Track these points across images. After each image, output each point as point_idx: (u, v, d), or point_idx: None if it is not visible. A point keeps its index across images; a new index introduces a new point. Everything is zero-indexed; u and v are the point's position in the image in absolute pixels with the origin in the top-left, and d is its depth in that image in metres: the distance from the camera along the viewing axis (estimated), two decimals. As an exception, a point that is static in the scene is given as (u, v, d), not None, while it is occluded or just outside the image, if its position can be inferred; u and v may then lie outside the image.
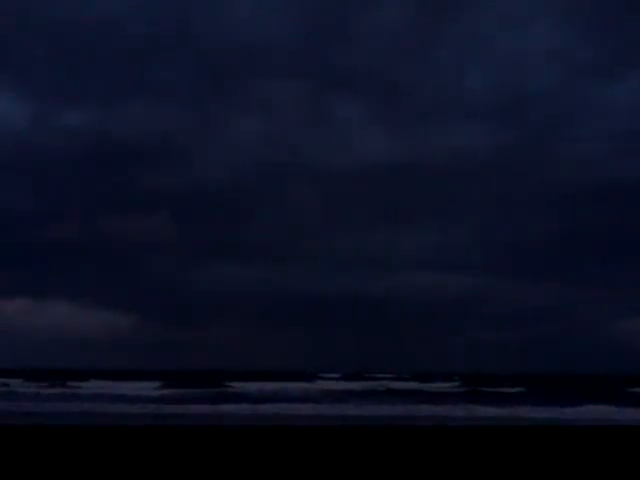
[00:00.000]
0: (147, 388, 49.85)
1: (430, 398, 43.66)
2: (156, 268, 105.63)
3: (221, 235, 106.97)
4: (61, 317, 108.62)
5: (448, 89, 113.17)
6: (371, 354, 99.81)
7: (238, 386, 57.72)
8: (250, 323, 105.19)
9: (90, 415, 28.52)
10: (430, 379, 74.18)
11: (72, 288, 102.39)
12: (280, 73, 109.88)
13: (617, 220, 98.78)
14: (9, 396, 41.53)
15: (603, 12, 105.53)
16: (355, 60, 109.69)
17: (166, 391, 49.64)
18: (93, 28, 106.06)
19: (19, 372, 73.72)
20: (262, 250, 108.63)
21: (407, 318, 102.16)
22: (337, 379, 77.16)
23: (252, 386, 57.42)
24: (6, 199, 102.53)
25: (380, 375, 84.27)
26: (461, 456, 14.87)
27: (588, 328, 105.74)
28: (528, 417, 30.78)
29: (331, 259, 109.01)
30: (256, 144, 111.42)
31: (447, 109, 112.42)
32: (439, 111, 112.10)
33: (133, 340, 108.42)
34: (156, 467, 12.76)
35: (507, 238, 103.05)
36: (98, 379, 59.54)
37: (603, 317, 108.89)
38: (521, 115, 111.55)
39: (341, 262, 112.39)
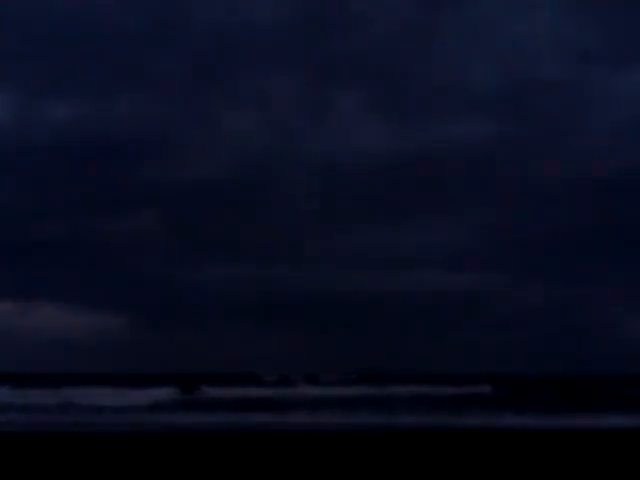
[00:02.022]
0: (135, 394, 47.84)
1: (430, 401, 43.12)
2: (152, 267, 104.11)
3: (217, 233, 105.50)
4: (48, 319, 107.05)
5: (450, 80, 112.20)
6: (370, 354, 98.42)
7: (237, 390, 55.89)
8: (247, 323, 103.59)
9: (82, 425, 26.82)
10: (431, 380, 72.81)
11: (60, 289, 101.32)
12: (279, 66, 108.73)
13: (619, 216, 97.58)
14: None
15: (607, 2, 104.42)
16: (355, 53, 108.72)
17: (160, 396, 47.73)
18: (81, 21, 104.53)
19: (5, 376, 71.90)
20: (259, 249, 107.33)
21: (405, 317, 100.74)
22: (335, 383, 75.23)
23: (250, 391, 55.72)
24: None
25: (380, 377, 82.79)
26: (467, 460, 13.59)
27: (588, 327, 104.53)
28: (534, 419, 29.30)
29: (330, 257, 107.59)
30: (253, 139, 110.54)
31: (449, 102, 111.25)
32: (441, 104, 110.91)
33: (124, 342, 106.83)
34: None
35: (507, 235, 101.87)
36: (88, 384, 57.53)
37: (603, 316, 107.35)
38: (524, 107, 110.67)
39: (340, 260, 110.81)
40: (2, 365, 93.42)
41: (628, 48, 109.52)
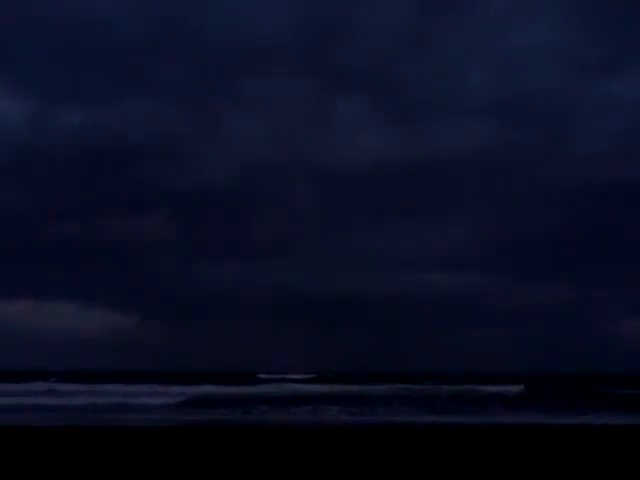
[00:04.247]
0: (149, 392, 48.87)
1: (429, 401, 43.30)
2: (157, 268, 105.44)
3: (222, 235, 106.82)
4: (62, 317, 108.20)
5: (449, 87, 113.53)
6: (370, 354, 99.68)
7: (241, 387, 57.14)
8: (250, 323, 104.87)
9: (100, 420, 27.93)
10: (429, 380, 73.63)
11: (72, 288, 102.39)
12: (281, 71, 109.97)
13: (618, 219, 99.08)
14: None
15: (604, 9, 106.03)
16: (356, 58, 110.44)
17: (170, 394, 48.65)
18: (92, 26, 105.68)
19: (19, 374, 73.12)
20: (263, 250, 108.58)
21: (406, 318, 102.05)
22: (333, 381, 75.59)
23: (257, 389, 56.97)
24: (7, 199, 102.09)
25: (379, 377, 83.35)
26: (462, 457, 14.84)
27: (587, 328, 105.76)
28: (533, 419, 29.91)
29: (331, 259, 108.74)
30: (257, 143, 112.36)
31: (448, 107, 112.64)
32: (440, 109, 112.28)
33: (134, 340, 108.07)
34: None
35: (507, 237, 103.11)
36: (104, 382, 58.47)
37: (603, 317, 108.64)
38: (522, 113, 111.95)
39: (341, 262, 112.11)
40: (37, 362, 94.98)
41: (627, 55, 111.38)
